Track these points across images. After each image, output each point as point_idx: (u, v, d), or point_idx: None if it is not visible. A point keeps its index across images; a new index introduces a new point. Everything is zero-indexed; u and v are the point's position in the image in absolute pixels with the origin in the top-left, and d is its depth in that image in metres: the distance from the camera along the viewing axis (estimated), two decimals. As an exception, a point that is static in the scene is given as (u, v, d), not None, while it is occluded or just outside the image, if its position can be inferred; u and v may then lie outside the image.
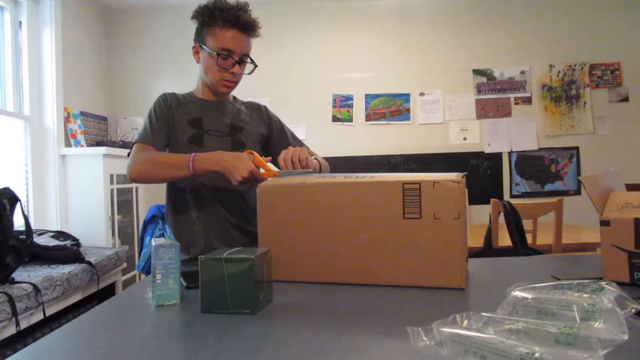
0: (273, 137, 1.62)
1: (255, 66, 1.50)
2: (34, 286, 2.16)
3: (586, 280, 0.72)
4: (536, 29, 4.24)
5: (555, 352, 0.48)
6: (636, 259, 0.95)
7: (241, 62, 1.44)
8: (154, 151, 1.40)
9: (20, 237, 2.32)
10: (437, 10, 4.28)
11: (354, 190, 1.06)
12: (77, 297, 2.58)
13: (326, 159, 1.63)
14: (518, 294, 0.72)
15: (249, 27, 1.41)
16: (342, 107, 4.27)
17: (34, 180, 3.33)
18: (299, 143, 1.65)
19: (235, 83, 1.49)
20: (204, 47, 1.42)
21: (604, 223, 0.99)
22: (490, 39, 4.25)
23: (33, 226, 2.81)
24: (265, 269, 0.91)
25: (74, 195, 3.45)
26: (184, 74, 4.19)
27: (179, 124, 1.47)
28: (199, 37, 1.45)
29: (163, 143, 1.45)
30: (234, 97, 1.63)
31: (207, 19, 1.41)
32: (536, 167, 4.22)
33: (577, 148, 4.21)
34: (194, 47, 1.48)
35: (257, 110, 1.63)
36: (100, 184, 3.41)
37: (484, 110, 4.25)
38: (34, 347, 0.74)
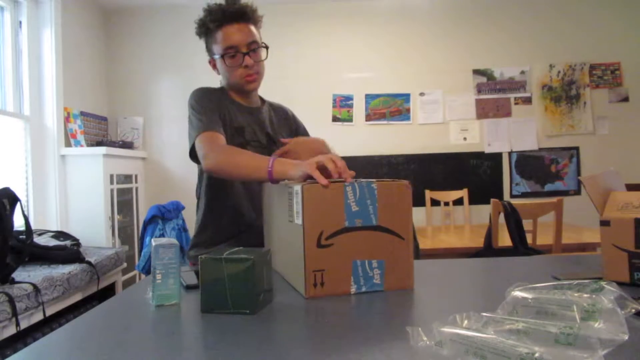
0: None
1: (267, 47, 1.45)
2: (34, 286, 2.16)
3: (586, 280, 0.72)
4: (536, 29, 4.24)
5: (555, 352, 0.48)
6: (636, 259, 0.95)
7: (252, 51, 1.40)
8: (227, 145, 1.33)
9: (20, 237, 2.32)
10: (437, 10, 4.28)
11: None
12: (77, 297, 2.58)
13: None
14: (518, 294, 0.72)
15: (239, 16, 1.38)
16: (342, 107, 4.27)
17: (34, 180, 3.33)
18: None
19: (258, 74, 1.44)
20: (214, 56, 1.43)
21: (604, 223, 0.99)
22: (490, 39, 4.25)
23: (33, 226, 2.81)
24: (265, 269, 0.91)
25: (74, 195, 3.45)
26: (184, 74, 4.20)
27: (226, 127, 1.41)
28: (208, 51, 1.45)
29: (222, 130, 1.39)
30: (262, 100, 1.58)
31: (203, 29, 1.41)
32: (536, 167, 4.22)
33: (577, 148, 4.21)
34: (209, 62, 1.47)
35: (285, 118, 1.61)
36: (100, 184, 3.41)
37: (484, 110, 4.25)
38: (34, 347, 0.74)
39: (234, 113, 1.46)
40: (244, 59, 1.38)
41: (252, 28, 1.41)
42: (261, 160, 1.18)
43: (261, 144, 1.47)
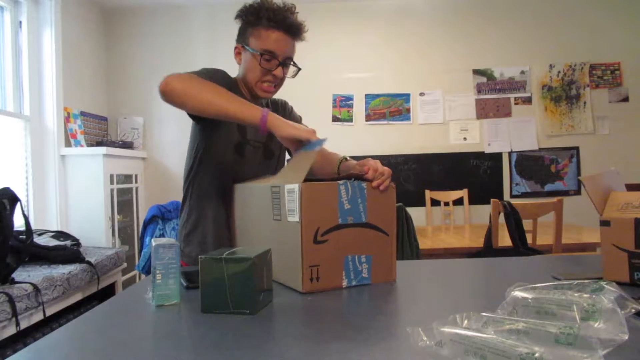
0: None
1: (299, 69, 1.45)
2: (34, 286, 2.16)
3: (586, 280, 0.72)
4: (536, 29, 4.24)
5: (555, 352, 0.48)
6: (636, 259, 0.95)
7: (284, 65, 1.40)
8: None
9: (20, 237, 2.32)
10: (437, 11, 4.28)
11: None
12: (77, 297, 2.57)
13: None
14: (518, 294, 0.72)
15: (295, 30, 1.38)
16: (342, 107, 4.27)
17: (34, 180, 3.33)
18: None
19: (277, 88, 1.43)
20: (247, 47, 1.37)
21: (604, 223, 0.99)
22: (490, 39, 4.25)
23: (33, 226, 2.81)
24: (265, 269, 0.91)
25: (74, 195, 3.45)
26: (184, 74, 4.19)
27: (229, 123, 1.36)
28: (242, 38, 1.39)
29: None
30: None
31: (252, 18, 1.35)
32: (536, 167, 4.22)
33: (577, 148, 4.21)
34: (235, 48, 1.42)
35: (282, 110, 1.58)
36: (100, 184, 3.41)
37: (484, 110, 4.25)
38: (34, 347, 0.74)
39: None
40: (277, 68, 1.37)
41: (295, 45, 1.42)
42: (250, 104, 1.17)
43: (259, 142, 1.45)
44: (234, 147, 1.40)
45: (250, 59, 1.37)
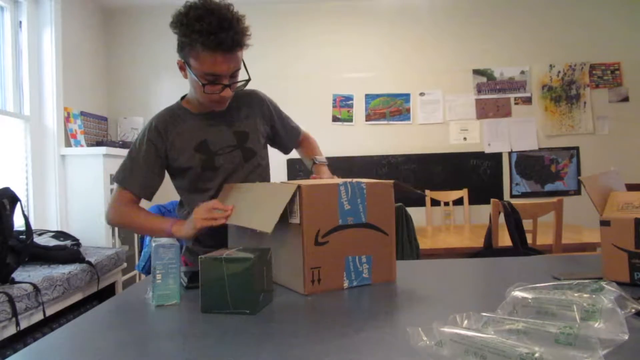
0: (277, 129, 1.54)
1: (248, 80, 1.33)
2: (34, 286, 2.16)
3: (586, 280, 0.72)
4: (536, 29, 4.24)
5: (555, 352, 0.48)
6: (636, 259, 0.95)
7: (231, 80, 1.29)
8: (131, 209, 1.37)
9: (20, 237, 2.32)
10: (437, 11, 4.28)
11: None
12: (77, 297, 2.57)
13: (326, 159, 1.61)
14: (518, 294, 0.72)
15: (235, 46, 1.22)
16: (342, 107, 4.27)
17: (34, 180, 3.33)
18: (295, 129, 1.61)
19: (228, 98, 1.34)
20: (189, 68, 1.28)
21: (604, 223, 1.00)
22: (490, 39, 4.25)
23: (33, 226, 2.80)
24: (265, 269, 0.91)
25: (74, 195, 3.44)
26: (184, 74, 4.20)
27: (184, 152, 1.36)
28: (182, 53, 1.29)
29: (147, 188, 1.37)
30: None
31: (188, 40, 1.23)
32: (536, 167, 4.22)
33: (577, 148, 4.21)
34: (178, 62, 1.33)
35: (256, 104, 1.50)
36: (100, 184, 3.41)
37: (484, 110, 4.25)
38: (34, 347, 0.74)
39: (193, 129, 1.39)
40: (223, 90, 1.27)
41: (240, 53, 1.27)
42: (160, 223, 1.34)
43: (230, 147, 1.40)
44: (201, 168, 1.38)
45: (194, 81, 1.29)
